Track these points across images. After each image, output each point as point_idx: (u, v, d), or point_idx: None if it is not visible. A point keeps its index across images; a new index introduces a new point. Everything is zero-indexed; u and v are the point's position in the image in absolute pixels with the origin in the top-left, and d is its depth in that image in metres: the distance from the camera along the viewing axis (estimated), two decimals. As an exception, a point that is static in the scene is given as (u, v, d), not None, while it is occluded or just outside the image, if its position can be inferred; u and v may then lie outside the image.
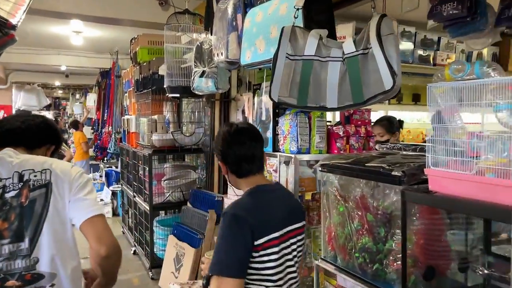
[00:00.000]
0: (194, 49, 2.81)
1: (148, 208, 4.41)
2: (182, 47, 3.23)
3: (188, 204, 4.19)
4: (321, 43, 1.58)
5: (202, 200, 4.04)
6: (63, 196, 1.52)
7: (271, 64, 1.62)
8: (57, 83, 13.85)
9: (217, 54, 2.50)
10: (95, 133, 8.51)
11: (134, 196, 5.10)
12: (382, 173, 1.70)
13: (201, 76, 2.73)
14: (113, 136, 7.26)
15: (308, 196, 3.11)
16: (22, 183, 1.49)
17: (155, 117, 4.54)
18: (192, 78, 2.83)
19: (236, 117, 4.02)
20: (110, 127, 7.31)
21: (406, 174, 1.62)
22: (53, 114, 16.73)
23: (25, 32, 6.34)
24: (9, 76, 11.16)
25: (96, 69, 8.99)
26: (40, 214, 1.48)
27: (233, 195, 3.20)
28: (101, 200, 7.30)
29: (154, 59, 4.30)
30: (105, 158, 8.34)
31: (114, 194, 7.25)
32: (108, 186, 7.76)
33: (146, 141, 4.60)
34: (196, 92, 2.92)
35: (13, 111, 12.66)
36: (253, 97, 3.58)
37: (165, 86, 3.34)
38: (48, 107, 20.62)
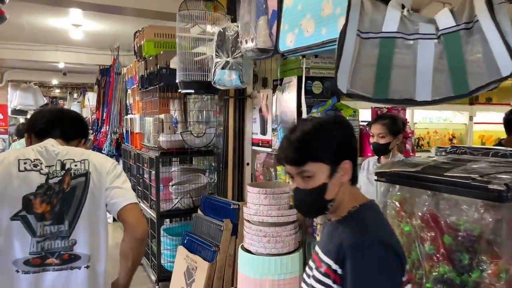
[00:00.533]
0: (216, 36, 2.43)
1: (155, 216, 4.04)
2: (197, 37, 2.86)
3: (199, 211, 3.82)
4: (404, 17, 1.21)
5: (215, 208, 3.66)
6: (100, 185, 1.68)
7: (336, 45, 1.25)
8: (55, 81, 13.42)
9: (244, 41, 2.13)
10: (94, 133, 8.11)
11: (139, 202, 4.71)
12: (473, 186, 1.33)
13: (224, 67, 2.36)
14: (109, 136, 6.87)
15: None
16: (64, 171, 1.65)
17: (162, 116, 4.16)
18: (212, 70, 2.45)
19: (251, 116, 3.65)
20: (107, 127, 6.92)
21: (511, 188, 1.26)
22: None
23: (21, 25, 5.96)
24: (4, 74, 10.76)
25: (95, 67, 8.60)
26: (79, 200, 1.64)
27: (254, 204, 2.83)
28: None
29: (161, 52, 3.92)
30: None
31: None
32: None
33: (152, 142, 4.22)
34: (218, 87, 2.54)
35: (9, 111, 12.25)
36: (273, 94, 3.22)
37: (177, 81, 2.96)
38: (45, 106, 20.29)
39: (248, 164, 3.74)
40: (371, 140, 2.89)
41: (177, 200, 4.08)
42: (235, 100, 3.66)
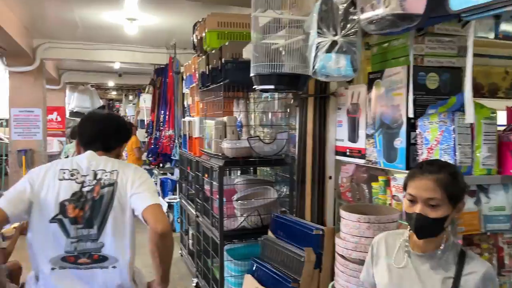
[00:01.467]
0: (318, 6, 1.75)
1: (218, 236, 3.44)
2: (278, 19, 2.20)
3: (270, 233, 3.17)
4: None
5: (290, 230, 3.00)
6: (125, 193, 1.85)
7: None
8: (111, 83, 13.40)
9: (370, 6, 1.44)
10: (149, 136, 7.72)
11: (197, 216, 4.16)
12: None
13: (329, 51, 1.69)
14: (176, 141, 6.41)
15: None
16: (95, 181, 1.84)
17: (225, 119, 3.56)
18: (312, 54, 1.78)
19: (336, 119, 2.95)
20: (171, 131, 6.46)
21: None
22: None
23: (74, 22, 5.63)
24: (62, 76, 10.73)
25: (150, 67, 8.26)
26: (106, 207, 1.81)
27: (353, 235, 2.15)
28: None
29: (227, 43, 3.32)
30: (160, 164, 7.53)
31: (170, 206, 6.40)
32: (164, 197, 6.93)
33: (213, 149, 3.64)
34: (319, 78, 1.86)
35: (67, 113, 12.29)
36: (368, 90, 2.52)
37: (251, 75, 2.32)
38: (102, 109, 20.57)
39: (330, 177, 3.04)
40: (407, 209, 1.59)
41: (243, 219, 3.46)
42: (315, 99, 2.98)
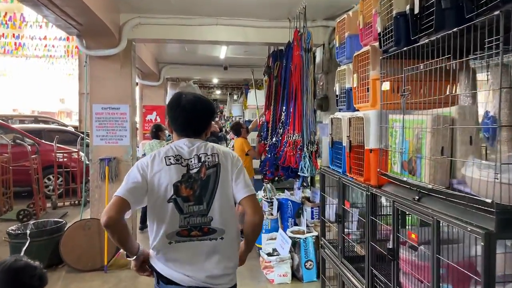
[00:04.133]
0: None
1: None
2: None
3: None
4: None
5: None
6: (227, 173, 2.03)
7: None
8: (215, 79, 11.99)
9: None
10: (262, 141, 5.86)
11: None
12: None
13: None
14: (305, 149, 4.45)
15: None
16: (200, 163, 2.01)
17: (453, 111, 1.44)
18: None
19: None
20: (297, 135, 4.51)
21: None
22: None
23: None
24: (162, 71, 9.43)
25: (262, 53, 6.42)
26: (213, 186, 1.99)
27: None
28: (271, 254, 4.53)
29: None
30: (276, 179, 5.61)
31: (294, 244, 4.43)
32: (283, 225, 5.00)
33: (427, 176, 1.54)
34: None
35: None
36: None
37: None
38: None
39: None
40: None
41: None
42: None
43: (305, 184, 4.76)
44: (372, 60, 2.25)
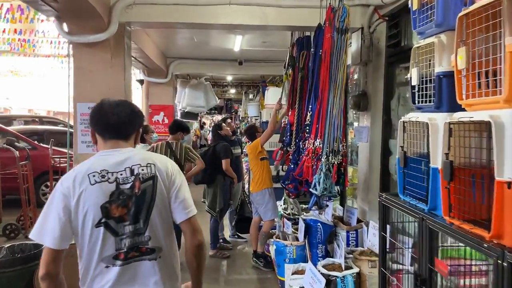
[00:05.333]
0: None
1: None
2: None
3: None
4: None
5: None
6: (165, 187, 1.87)
7: None
8: (229, 77, 11.00)
9: None
10: (284, 148, 4.84)
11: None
12: None
13: None
14: (322, 159, 3.45)
15: None
16: (133, 176, 1.82)
17: None
18: None
19: None
20: (318, 141, 3.48)
21: None
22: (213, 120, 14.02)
23: None
24: (169, 66, 8.48)
25: (284, 45, 5.42)
26: (150, 201, 1.83)
27: None
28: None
29: None
30: (300, 193, 4.58)
31: (329, 283, 3.40)
32: (312, 258, 3.98)
33: None
34: None
35: (177, 114, 10.12)
36: None
37: None
38: (219, 110, 18.53)
39: None
40: None
41: None
42: None
43: (318, 205, 3.72)
44: (507, 16, 1.22)
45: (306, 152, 3.77)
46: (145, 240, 1.81)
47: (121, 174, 1.80)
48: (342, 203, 5.35)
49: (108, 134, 1.89)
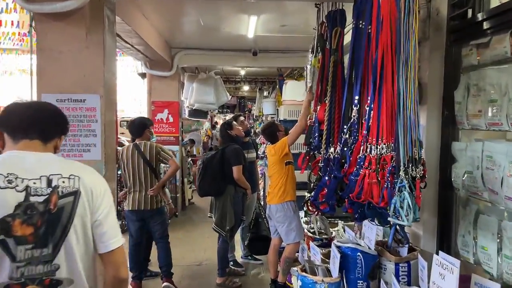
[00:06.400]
0: None
1: None
2: None
3: None
4: None
5: None
6: (89, 208, 1.56)
7: None
8: (242, 71, 10.01)
9: None
10: (311, 152, 3.81)
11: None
12: None
13: None
14: (401, 173, 2.36)
15: None
16: (51, 189, 1.51)
17: None
18: None
19: None
20: (384, 145, 2.44)
21: None
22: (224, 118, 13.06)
23: None
24: (174, 58, 7.51)
25: (307, 31, 4.42)
26: (66, 223, 1.50)
27: None
28: None
29: None
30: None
31: None
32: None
33: None
34: None
35: (185, 112, 9.17)
36: None
37: None
38: (232, 109, 17.51)
39: None
40: None
41: None
42: None
43: (399, 237, 2.70)
44: None
45: (366, 162, 2.69)
46: (51, 269, 1.50)
47: (34, 183, 1.50)
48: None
49: (20, 134, 1.55)
